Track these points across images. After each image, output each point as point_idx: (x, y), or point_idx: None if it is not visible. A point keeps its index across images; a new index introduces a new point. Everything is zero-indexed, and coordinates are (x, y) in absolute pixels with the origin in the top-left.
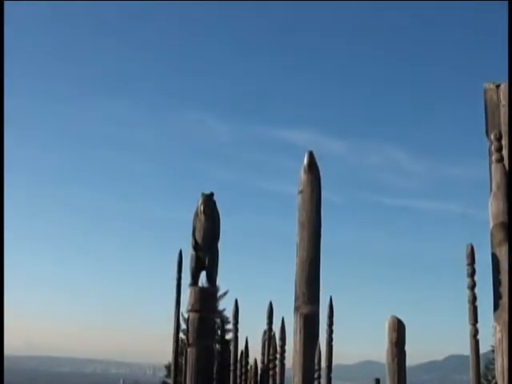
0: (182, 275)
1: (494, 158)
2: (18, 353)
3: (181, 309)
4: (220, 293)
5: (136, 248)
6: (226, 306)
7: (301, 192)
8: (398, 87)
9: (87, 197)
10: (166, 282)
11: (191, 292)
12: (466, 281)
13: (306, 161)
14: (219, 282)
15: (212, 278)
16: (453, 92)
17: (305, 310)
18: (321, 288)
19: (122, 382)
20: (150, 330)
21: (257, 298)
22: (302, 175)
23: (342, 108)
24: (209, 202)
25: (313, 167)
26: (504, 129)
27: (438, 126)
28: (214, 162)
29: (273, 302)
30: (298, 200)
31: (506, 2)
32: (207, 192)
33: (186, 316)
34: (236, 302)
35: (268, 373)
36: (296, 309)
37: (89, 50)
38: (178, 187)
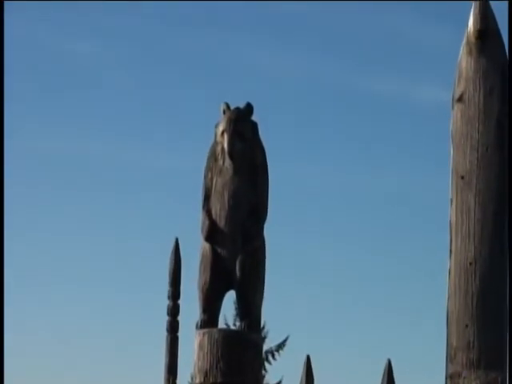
0: (181, 302)
1: None
2: None
3: (178, 380)
4: (270, 345)
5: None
6: (284, 372)
7: (459, 100)
8: None
9: None
10: (144, 318)
11: (201, 341)
12: None
13: (471, 24)
14: (266, 318)
15: (250, 308)
16: None
17: (473, 381)
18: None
19: None
20: None
21: (350, 352)
22: (464, 59)
23: None
24: (242, 126)
25: (489, 41)
26: None
27: None
28: (263, 36)
29: (392, 362)
30: (452, 120)
31: (506, 2)
32: (235, 106)
33: None
34: (308, 361)
35: None
36: (450, 378)
37: None
38: (171, 97)
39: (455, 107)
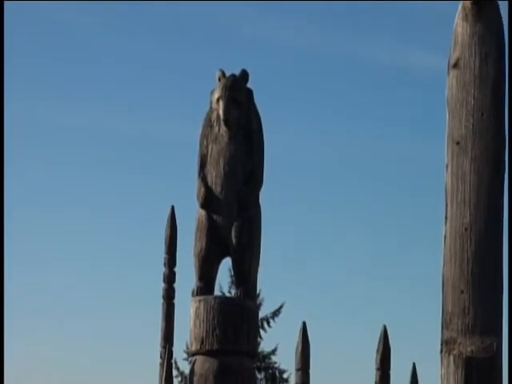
0: (177, 269)
1: None
2: None
3: (174, 348)
4: (266, 312)
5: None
6: (279, 340)
7: (455, 66)
8: None
9: None
10: (140, 286)
11: (197, 308)
12: None
13: None
14: (261, 286)
15: (246, 275)
16: None
17: (468, 347)
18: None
19: None
20: None
21: (346, 318)
22: (459, 24)
23: None
24: (238, 93)
25: (485, 6)
26: None
27: None
28: None
29: (388, 328)
30: (447, 86)
31: (506, 2)
32: (231, 72)
33: (183, 367)
34: (304, 328)
35: None
36: (445, 344)
37: None
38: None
39: (451, 73)
